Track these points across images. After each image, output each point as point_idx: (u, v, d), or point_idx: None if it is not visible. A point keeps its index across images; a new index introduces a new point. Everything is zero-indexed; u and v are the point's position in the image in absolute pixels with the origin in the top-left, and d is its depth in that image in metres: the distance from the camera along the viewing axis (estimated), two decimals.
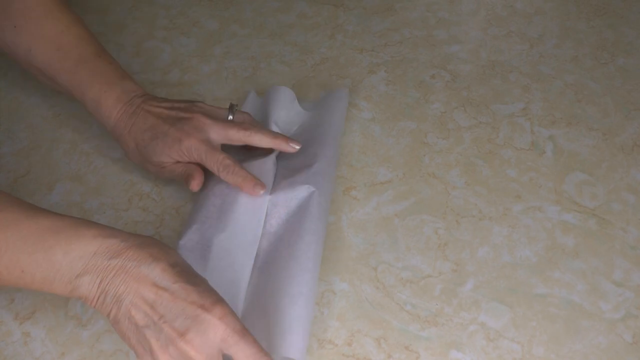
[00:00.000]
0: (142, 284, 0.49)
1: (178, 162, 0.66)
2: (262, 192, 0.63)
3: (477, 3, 0.93)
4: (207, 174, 0.66)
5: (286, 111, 0.73)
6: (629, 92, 0.80)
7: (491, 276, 0.62)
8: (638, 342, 0.57)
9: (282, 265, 0.59)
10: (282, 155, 0.68)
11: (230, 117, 0.67)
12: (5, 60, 0.84)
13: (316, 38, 0.87)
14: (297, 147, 0.66)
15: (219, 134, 0.65)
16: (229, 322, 0.48)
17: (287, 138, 0.67)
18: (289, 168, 0.67)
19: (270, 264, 0.60)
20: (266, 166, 0.66)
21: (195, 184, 0.64)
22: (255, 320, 0.56)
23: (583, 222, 0.66)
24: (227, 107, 0.69)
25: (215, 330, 0.48)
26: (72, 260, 0.49)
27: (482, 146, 0.73)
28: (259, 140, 0.65)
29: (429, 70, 0.82)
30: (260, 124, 0.69)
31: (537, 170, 0.71)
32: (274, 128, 0.70)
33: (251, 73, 0.82)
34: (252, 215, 0.63)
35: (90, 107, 0.68)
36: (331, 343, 0.57)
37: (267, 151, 0.68)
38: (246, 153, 0.69)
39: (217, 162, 0.63)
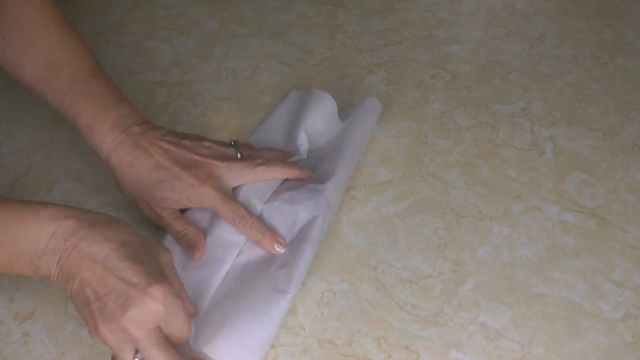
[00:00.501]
0: (92, 262, 0.50)
1: (177, 213, 0.63)
2: (282, 250, 0.60)
3: (477, 3, 0.93)
4: None
5: (323, 123, 0.72)
6: (629, 92, 0.80)
7: (491, 276, 0.62)
8: (638, 342, 0.57)
9: (257, 277, 0.59)
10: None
11: (239, 155, 0.64)
12: None
13: (316, 38, 0.87)
14: (310, 174, 0.66)
15: (234, 177, 0.62)
16: (168, 302, 0.50)
17: (300, 167, 0.66)
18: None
19: (247, 272, 0.60)
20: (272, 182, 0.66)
21: (198, 255, 0.61)
22: (211, 320, 0.56)
23: (583, 222, 0.66)
24: (230, 142, 0.66)
25: (156, 309, 0.49)
26: (32, 241, 0.50)
27: (482, 146, 0.73)
28: (275, 173, 0.64)
29: (429, 70, 0.82)
30: (266, 151, 0.68)
31: (537, 170, 0.71)
32: (301, 134, 0.69)
33: (251, 73, 0.82)
34: None
35: (82, 133, 0.62)
36: (331, 343, 0.57)
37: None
38: None
39: (232, 213, 0.60)
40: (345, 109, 0.76)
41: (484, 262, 0.63)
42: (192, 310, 0.55)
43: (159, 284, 0.50)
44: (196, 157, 0.62)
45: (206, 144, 0.64)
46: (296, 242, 0.60)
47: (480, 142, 0.74)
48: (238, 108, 0.77)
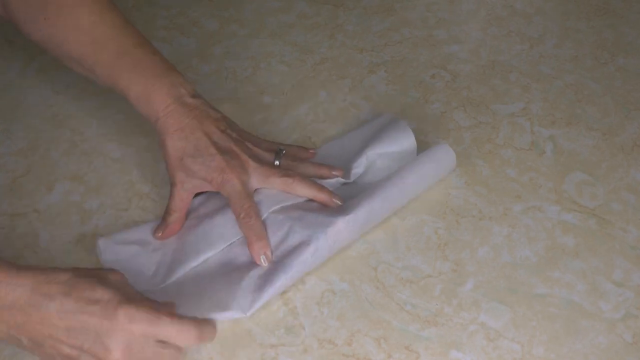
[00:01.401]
0: (47, 324, 0.49)
1: (188, 196, 0.64)
2: (264, 264, 0.60)
3: (477, 3, 0.93)
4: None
5: (397, 163, 0.67)
6: (629, 92, 0.80)
7: (491, 276, 0.62)
8: (638, 342, 0.57)
9: (235, 270, 0.60)
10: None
11: (277, 162, 0.65)
12: (3, 60, 0.84)
13: (316, 38, 0.87)
14: (340, 204, 0.63)
15: (260, 179, 0.63)
16: (139, 319, 0.50)
17: (332, 193, 0.64)
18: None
19: (230, 261, 0.61)
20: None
21: (158, 236, 0.63)
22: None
23: (583, 222, 0.66)
24: (278, 148, 0.66)
25: (131, 333, 0.50)
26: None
27: (482, 146, 0.73)
28: (301, 190, 0.63)
29: (429, 70, 0.82)
30: (308, 165, 0.66)
31: (537, 170, 0.71)
32: (362, 159, 0.67)
33: (251, 73, 0.82)
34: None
35: (133, 102, 0.63)
36: (331, 343, 0.57)
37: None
38: None
39: (241, 207, 0.61)
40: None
41: (484, 262, 0.63)
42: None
43: (122, 309, 0.50)
44: (234, 148, 0.63)
45: (248, 144, 0.65)
46: (277, 264, 0.59)
47: (480, 142, 0.74)
48: (238, 108, 0.77)
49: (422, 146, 0.73)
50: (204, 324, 0.53)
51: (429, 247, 0.64)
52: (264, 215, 0.62)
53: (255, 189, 0.64)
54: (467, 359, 0.56)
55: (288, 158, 0.66)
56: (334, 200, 0.63)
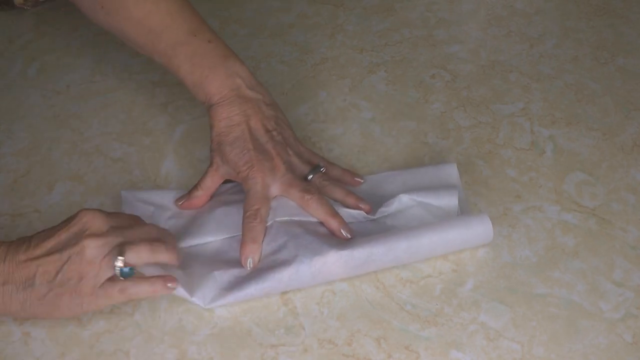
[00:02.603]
0: (34, 254, 0.53)
1: (220, 179, 0.65)
2: (249, 268, 0.59)
3: (477, 3, 0.93)
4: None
5: (432, 216, 0.63)
6: (629, 92, 0.80)
7: (491, 276, 0.62)
8: (638, 342, 0.57)
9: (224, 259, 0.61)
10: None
11: (311, 176, 0.64)
12: (5, 60, 0.84)
13: (316, 38, 0.87)
14: (348, 237, 0.61)
15: (282, 187, 0.63)
16: (99, 211, 0.55)
17: (343, 223, 0.61)
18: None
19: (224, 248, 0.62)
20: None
21: (180, 205, 0.65)
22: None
23: (583, 222, 0.66)
24: (317, 164, 0.66)
25: (96, 215, 0.54)
26: None
27: (482, 146, 0.73)
28: (314, 210, 0.62)
29: (429, 70, 0.82)
30: (337, 190, 0.64)
31: (537, 170, 0.71)
32: (395, 200, 0.63)
33: None
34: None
35: (191, 89, 0.65)
36: (331, 343, 0.57)
37: None
38: None
39: (252, 207, 0.61)
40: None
41: (484, 262, 0.63)
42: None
43: (83, 213, 0.54)
44: (271, 150, 0.63)
45: (289, 150, 0.64)
46: (254, 272, 0.59)
47: (480, 142, 0.74)
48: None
49: (423, 148, 0.73)
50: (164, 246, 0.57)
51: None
52: (269, 222, 0.62)
53: (275, 196, 0.63)
54: (467, 359, 0.56)
55: (325, 177, 0.65)
56: (342, 231, 0.61)
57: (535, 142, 0.74)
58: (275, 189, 0.63)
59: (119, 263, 0.53)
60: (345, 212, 0.63)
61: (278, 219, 0.62)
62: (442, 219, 0.62)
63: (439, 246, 0.60)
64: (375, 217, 0.64)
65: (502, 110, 0.77)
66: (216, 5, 0.92)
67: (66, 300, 0.53)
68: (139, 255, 0.55)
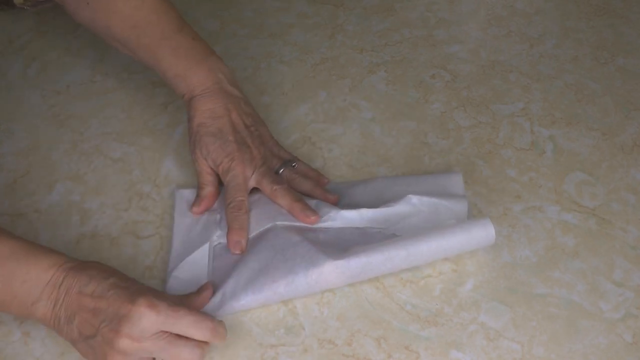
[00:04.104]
0: (83, 300, 0.53)
1: (212, 170, 0.66)
2: (237, 252, 0.61)
3: (477, 3, 0.93)
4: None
5: (443, 216, 0.63)
6: (629, 92, 0.80)
7: (491, 276, 0.62)
8: (638, 342, 0.57)
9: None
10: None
11: (282, 170, 0.67)
12: (5, 60, 0.84)
13: (316, 38, 0.87)
14: (312, 219, 0.62)
15: (257, 179, 0.65)
16: (159, 307, 0.52)
17: (306, 206, 0.63)
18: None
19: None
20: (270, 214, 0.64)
21: (195, 210, 0.65)
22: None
23: (583, 222, 0.66)
24: (288, 159, 0.68)
25: (148, 317, 0.51)
26: (29, 288, 0.53)
27: (482, 146, 0.73)
28: (281, 199, 0.64)
29: (429, 70, 0.82)
30: (306, 183, 0.66)
31: (537, 170, 0.71)
32: (402, 203, 0.63)
33: (251, 73, 0.82)
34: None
35: (172, 81, 0.67)
36: (331, 343, 0.57)
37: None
38: None
39: (234, 198, 0.63)
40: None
41: (484, 262, 0.63)
42: (204, 298, 0.58)
43: (144, 296, 0.52)
44: (251, 143, 0.66)
45: (268, 144, 0.67)
46: (248, 284, 0.59)
47: (480, 142, 0.74)
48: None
49: (423, 148, 0.73)
50: (219, 323, 0.55)
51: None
52: (269, 225, 0.63)
53: (252, 189, 0.65)
54: (467, 359, 0.56)
55: (295, 171, 0.67)
56: (306, 212, 0.62)
57: (535, 142, 0.74)
58: (252, 181, 0.65)
59: None
60: (349, 218, 0.63)
61: (279, 223, 0.63)
62: (445, 224, 0.62)
63: (439, 252, 0.59)
64: (380, 228, 0.63)
65: (502, 110, 0.77)
66: (216, 5, 0.92)
67: (90, 357, 0.54)
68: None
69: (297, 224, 0.63)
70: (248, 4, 0.92)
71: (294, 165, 0.68)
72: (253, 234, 0.63)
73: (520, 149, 0.73)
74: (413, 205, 0.63)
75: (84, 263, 0.55)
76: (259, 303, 0.59)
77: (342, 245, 0.60)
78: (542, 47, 0.86)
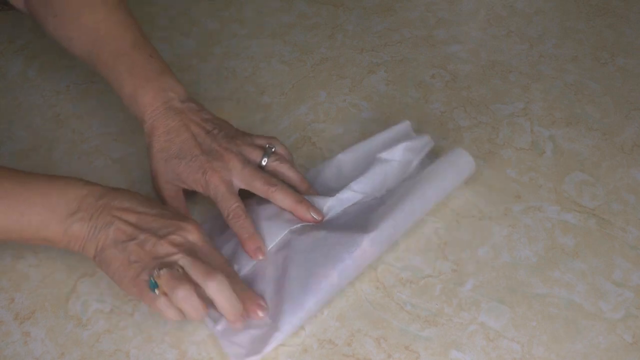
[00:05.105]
0: (125, 212, 0.56)
1: (179, 192, 0.65)
2: (260, 257, 0.60)
3: (477, 3, 0.93)
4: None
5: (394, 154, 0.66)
6: (629, 92, 0.80)
7: (491, 276, 0.62)
8: (638, 342, 0.57)
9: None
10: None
11: (265, 160, 0.64)
12: (4, 60, 0.84)
13: (316, 38, 0.87)
14: (318, 219, 0.62)
15: (244, 181, 0.62)
16: (201, 234, 0.56)
17: (310, 206, 0.62)
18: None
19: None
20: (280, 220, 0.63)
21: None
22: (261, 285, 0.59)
23: (583, 222, 0.66)
24: (266, 145, 0.66)
25: (193, 235, 0.56)
26: (67, 200, 0.56)
27: (482, 146, 0.73)
28: (281, 201, 0.62)
29: (429, 70, 0.82)
30: (293, 174, 0.65)
31: (537, 170, 0.71)
32: (377, 168, 0.65)
33: (251, 73, 0.82)
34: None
35: (125, 102, 0.66)
36: (331, 343, 0.57)
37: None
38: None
39: (228, 208, 0.61)
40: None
41: (484, 262, 0.63)
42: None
43: (191, 220, 0.57)
44: (218, 148, 0.63)
45: (238, 142, 0.64)
46: (303, 288, 0.58)
47: (480, 142, 0.74)
48: (238, 108, 0.77)
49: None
50: (244, 294, 0.56)
51: (429, 247, 0.64)
52: (284, 232, 0.62)
53: (239, 188, 0.63)
54: (467, 359, 0.56)
55: (276, 157, 0.65)
56: (311, 213, 0.62)
57: (535, 142, 0.74)
58: (237, 183, 0.62)
59: (154, 274, 0.53)
60: (345, 199, 0.64)
61: (293, 228, 0.62)
62: (430, 170, 0.65)
63: (440, 193, 0.65)
64: (373, 196, 0.65)
65: (502, 110, 0.77)
66: (216, 5, 0.92)
67: (116, 265, 0.55)
68: (171, 291, 0.52)
69: (288, 226, 0.62)
70: (248, 4, 0.92)
71: (273, 149, 0.65)
72: (271, 246, 0.61)
73: (520, 149, 0.73)
74: (385, 161, 0.65)
75: (119, 189, 0.58)
76: (321, 302, 0.58)
77: (359, 222, 0.62)
78: (542, 47, 0.86)
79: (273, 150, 0.65)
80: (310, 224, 0.62)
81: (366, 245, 0.59)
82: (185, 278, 0.53)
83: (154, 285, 0.53)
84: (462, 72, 0.82)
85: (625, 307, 0.59)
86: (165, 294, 0.53)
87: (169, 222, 0.56)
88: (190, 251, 0.55)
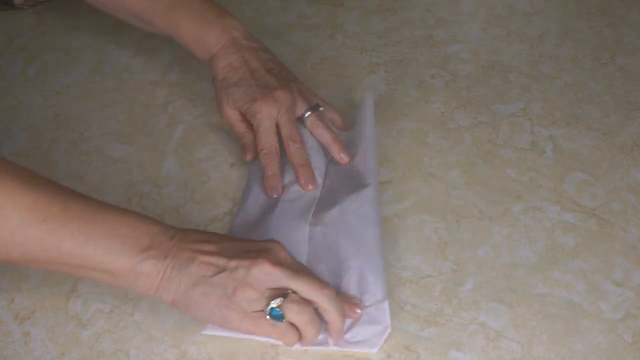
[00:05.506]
0: (202, 244, 0.53)
1: (244, 118, 0.69)
2: (275, 195, 0.65)
3: (477, 3, 0.93)
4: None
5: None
6: (629, 92, 0.80)
7: (491, 276, 0.62)
8: (638, 342, 0.57)
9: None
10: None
11: (308, 113, 0.69)
12: (4, 60, 0.84)
13: (316, 38, 0.87)
14: (346, 160, 0.68)
15: (280, 122, 0.67)
16: (283, 247, 0.54)
17: (343, 146, 0.69)
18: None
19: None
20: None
21: (249, 157, 0.69)
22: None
23: (583, 222, 0.66)
24: (315, 104, 0.70)
25: (282, 252, 0.54)
26: (138, 235, 0.52)
27: (482, 146, 0.73)
28: (321, 134, 0.69)
29: (429, 70, 0.82)
30: (327, 135, 0.69)
31: (537, 170, 0.71)
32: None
33: None
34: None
35: (191, 46, 0.70)
36: None
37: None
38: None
39: (264, 143, 0.66)
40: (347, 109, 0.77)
41: (484, 262, 0.63)
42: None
43: (268, 240, 0.55)
44: (274, 83, 0.68)
45: (292, 85, 0.69)
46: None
47: (480, 142, 0.74)
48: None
49: (423, 148, 0.73)
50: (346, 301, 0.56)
51: (429, 247, 0.64)
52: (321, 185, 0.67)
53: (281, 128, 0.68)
54: (467, 359, 0.56)
55: (320, 117, 0.70)
56: (341, 154, 0.68)
57: (535, 142, 0.74)
58: (282, 121, 0.67)
59: (275, 304, 0.52)
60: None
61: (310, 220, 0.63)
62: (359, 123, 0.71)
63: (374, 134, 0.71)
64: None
65: (502, 110, 0.77)
66: None
67: (212, 304, 0.52)
68: (299, 317, 0.53)
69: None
70: (248, 4, 0.92)
71: (320, 109, 0.70)
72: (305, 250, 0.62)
73: (520, 149, 0.73)
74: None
75: (188, 229, 0.56)
76: (381, 249, 0.61)
77: (348, 181, 0.66)
78: (542, 47, 0.86)
79: (320, 109, 0.70)
80: (312, 214, 0.64)
81: (371, 192, 0.64)
82: (305, 302, 0.53)
83: (278, 316, 0.52)
84: (462, 72, 0.82)
85: (625, 307, 0.59)
86: (288, 322, 0.53)
87: (251, 245, 0.54)
88: (290, 269, 0.53)
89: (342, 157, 0.68)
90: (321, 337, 0.55)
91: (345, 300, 0.56)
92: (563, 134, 0.74)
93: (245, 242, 0.55)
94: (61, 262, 0.51)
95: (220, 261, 0.52)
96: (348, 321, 0.56)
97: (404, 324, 0.58)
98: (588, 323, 0.58)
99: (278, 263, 0.52)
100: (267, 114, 0.66)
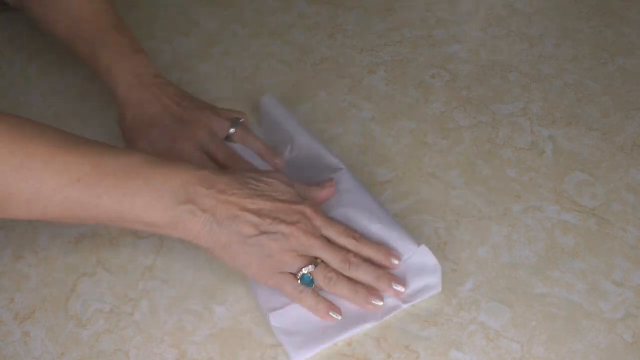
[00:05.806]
0: (244, 204, 0.55)
1: (198, 149, 0.68)
2: (278, 161, 0.69)
3: (477, 3, 0.93)
4: None
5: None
6: (629, 92, 0.80)
7: (491, 276, 0.62)
8: (638, 342, 0.57)
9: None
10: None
11: (232, 130, 0.69)
12: (4, 60, 0.84)
13: (316, 38, 0.87)
14: (281, 165, 0.69)
15: (209, 151, 0.67)
16: (319, 210, 0.58)
17: (274, 153, 0.70)
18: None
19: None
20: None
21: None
22: None
23: (583, 222, 0.66)
24: (235, 117, 0.70)
25: (314, 218, 0.57)
26: (174, 187, 0.53)
27: (482, 146, 0.73)
28: (252, 146, 0.70)
29: (429, 70, 0.82)
30: (259, 144, 0.70)
31: (537, 170, 0.71)
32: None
33: (251, 73, 0.82)
34: None
35: (102, 77, 0.70)
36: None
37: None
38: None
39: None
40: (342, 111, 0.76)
41: (484, 262, 0.63)
42: None
43: (307, 202, 0.58)
44: (188, 119, 0.68)
45: (208, 112, 0.69)
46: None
47: (480, 142, 0.74)
48: (238, 108, 0.77)
49: (423, 148, 0.73)
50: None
51: (429, 247, 0.64)
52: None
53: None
54: (467, 359, 0.56)
55: (245, 128, 0.70)
56: (276, 161, 0.69)
57: (535, 142, 0.74)
58: (213, 149, 0.67)
59: (307, 270, 0.56)
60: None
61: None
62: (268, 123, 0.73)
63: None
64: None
65: (502, 110, 0.77)
66: (216, 5, 0.92)
67: (246, 259, 0.55)
68: (329, 283, 0.57)
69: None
70: (248, 4, 0.92)
71: (241, 121, 0.70)
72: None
73: (520, 149, 0.73)
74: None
75: (223, 170, 0.58)
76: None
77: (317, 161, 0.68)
78: (542, 47, 0.86)
79: (241, 121, 0.70)
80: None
81: (348, 172, 0.66)
82: (335, 271, 0.57)
83: (309, 281, 0.56)
84: (462, 72, 0.82)
85: (625, 307, 0.59)
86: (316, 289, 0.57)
87: (291, 208, 0.57)
88: (322, 237, 0.57)
89: (277, 163, 0.69)
90: (389, 301, 0.58)
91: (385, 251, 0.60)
92: (563, 134, 0.74)
93: (281, 200, 0.56)
94: (102, 217, 0.53)
95: (262, 225, 0.55)
96: (402, 279, 0.59)
97: (404, 324, 0.58)
98: (588, 323, 0.58)
99: (313, 233, 0.56)
100: (190, 153, 0.66)
